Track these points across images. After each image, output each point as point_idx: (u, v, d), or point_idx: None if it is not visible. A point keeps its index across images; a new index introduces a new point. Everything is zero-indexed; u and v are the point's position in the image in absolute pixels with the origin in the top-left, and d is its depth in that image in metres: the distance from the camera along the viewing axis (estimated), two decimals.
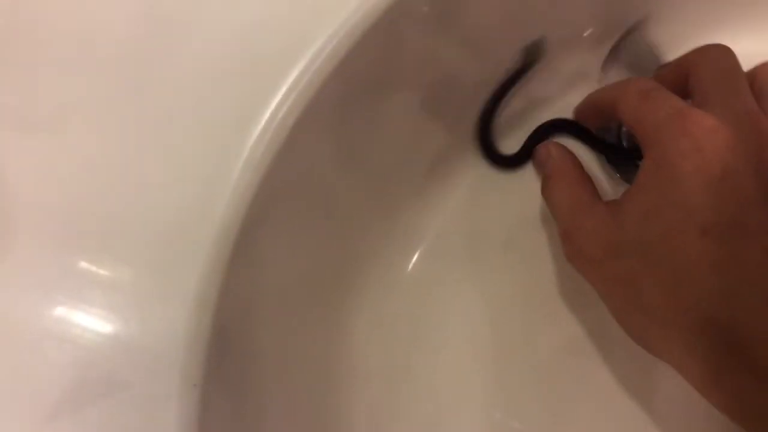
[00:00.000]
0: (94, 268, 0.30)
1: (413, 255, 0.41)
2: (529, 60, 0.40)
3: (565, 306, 0.40)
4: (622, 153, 0.41)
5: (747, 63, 0.35)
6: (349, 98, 0.33)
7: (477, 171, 0.42)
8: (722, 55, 0.34)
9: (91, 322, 0.29)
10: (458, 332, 0.41)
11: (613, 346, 0.40)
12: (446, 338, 0.41)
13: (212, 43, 0.31)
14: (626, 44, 0.42)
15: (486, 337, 0.41)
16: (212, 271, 0.29)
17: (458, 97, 0.40)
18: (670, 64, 0.38)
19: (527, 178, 0.41)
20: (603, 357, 0.40)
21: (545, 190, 0.38)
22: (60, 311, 0.29)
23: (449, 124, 0.40)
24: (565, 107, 0.41)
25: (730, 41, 0.35)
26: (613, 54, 0.42)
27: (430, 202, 0.41)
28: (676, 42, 0.41)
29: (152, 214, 0.30)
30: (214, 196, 0.30)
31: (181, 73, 0.30)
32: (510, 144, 0.42)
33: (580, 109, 0.40)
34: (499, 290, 0.41)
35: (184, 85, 0.30)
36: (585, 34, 0.41)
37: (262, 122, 0.30)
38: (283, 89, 0.30)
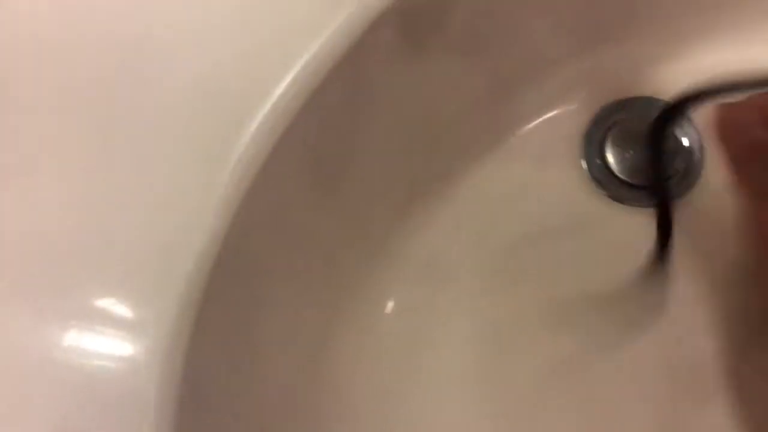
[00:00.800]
0: (68, 306, 0.30)
1: (397, 283, 0.41)
2: None
3: (550, 330, 0.40)
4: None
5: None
6: (322, 131, 0.33)
7: (458, 198, 0.41)
8: None
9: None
10: (444, 358, 0.41)
11: (597, 367, 0.40)
12: (432, 364, 0.41)
13: (182, 81, 0.31)
14: None
15: (471, 363, 0.40)
16: (186, 308, 0.29)
17: (438, 122, 0.40)
18: None
19: (512, 201, 0.41)
20: (589, 379, 0.40)
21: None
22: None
23: (429, 150, 0.40)
24: None
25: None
26: None
27: (412, 228, 0.41)
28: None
29: (125, 253, 0.29)
30: (187, 234, 0.30)
31: (153, 111, 0.30)
32: None
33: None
34: (485, 315, 0.41)
35: (155, 124, 0.30)
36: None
37: (233, 160, 0.30)
38: (254, 125, 0.30)
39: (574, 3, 0.39)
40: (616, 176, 0.42)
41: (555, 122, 0.43)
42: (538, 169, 0.42)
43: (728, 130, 0.34)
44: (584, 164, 0.42)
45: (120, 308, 0.29)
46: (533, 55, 0.41)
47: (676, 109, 0.39)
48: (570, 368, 0.40)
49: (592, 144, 0.42)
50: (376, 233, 0.39)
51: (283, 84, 0.30)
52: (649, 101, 0.42)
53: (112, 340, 0.29)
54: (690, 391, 0.39)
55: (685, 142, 0.42)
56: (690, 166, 0.41)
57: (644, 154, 0.42)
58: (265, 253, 0.33)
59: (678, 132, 0.42)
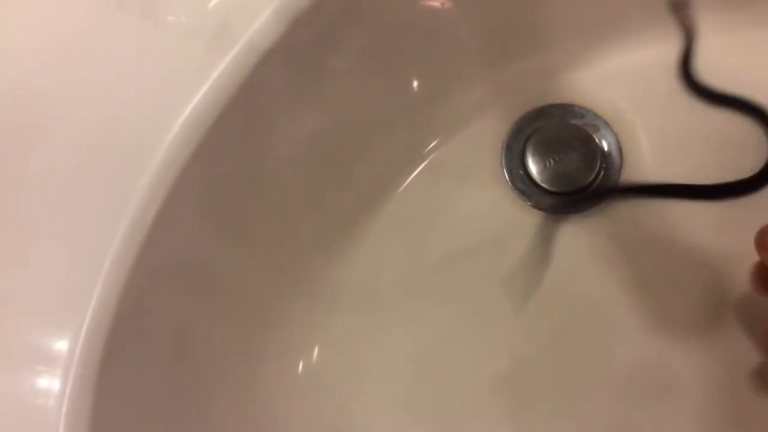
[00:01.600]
0: None
1: (324, 316, 0.41)
2: None
3: (481, 344, 0.40)
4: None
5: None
6: (220, 174, 0.32)
7: (379, 223, 0.41)
8: None
9: None
10: (388, 380, 0.40)
11: (545, 373, 0.40)
12: (375, 389, 0.40)
13: (69, 139, 0.31)
14: None
15: (406, 386, 0.40)
16: (83, 376, 0.29)
17: (351, 147, 0.39)
18: None
19: (435, 220, 0.41)
20: (538, 385, 0.40)
21: None
22: None
23: (344, 177, 0.40)
24: None
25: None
26: None
27: (332, 258, 0.41)
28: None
29: (17, 324, 0.29)
30: (80, 294, 0.29)
31: (39, 176, 0.30)
32: None
33: None
34: (415, 337, 0.41)
35: (42, 188, 0.30)
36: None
37: (125, 219, 0.30)
38: (145, 179, 0.30)
39: (476, 23, 0.39)
40: (538, 185, 0.42)
41: (474, 137, 0.42)
42: (460, 186, 0.42)
43: None
44: (507, 176, 0.42)
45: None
46: (443, 73, 0.41)
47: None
48: (505, 380, 0.39)
49: (513, 155, 0.42)
50: (294, 267, 0.39)
51: (170, 134, 0.30)
52: (564, 108, 0.42)
53: None
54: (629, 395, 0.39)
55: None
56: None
57: (565, 161, 0.41)
58: (170, 308, 0.32)
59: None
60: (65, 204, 0.30)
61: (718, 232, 0.39)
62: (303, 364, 0.40)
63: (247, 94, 0.31)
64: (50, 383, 0.29)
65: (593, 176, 0.41)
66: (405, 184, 0.42)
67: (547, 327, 0.40)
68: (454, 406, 0.39)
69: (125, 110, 0.31)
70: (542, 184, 0.42)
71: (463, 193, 0.42)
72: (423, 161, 0.42)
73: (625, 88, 0.42)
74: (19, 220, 0.30)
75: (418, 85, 0.40)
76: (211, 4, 0.31)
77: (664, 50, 0.41)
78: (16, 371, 0.29)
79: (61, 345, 0.29)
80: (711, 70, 0.40)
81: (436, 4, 0.37)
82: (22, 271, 0.30)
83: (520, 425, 0.39)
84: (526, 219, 0.41)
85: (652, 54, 0.41)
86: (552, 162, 0.42)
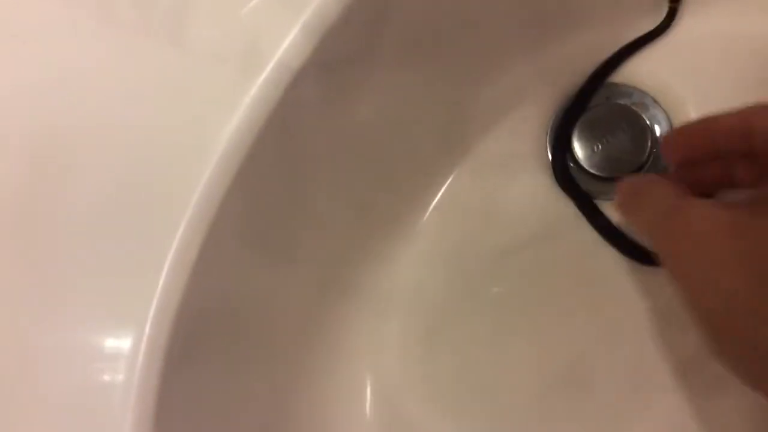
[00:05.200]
0: None
1: (378, 317, 0.40)
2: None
3: (538, 342, 0.39)
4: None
5: None
6: (261, 196, 0.32)
7: (426, 223, 0.40)
8: None
9: None
10: (442, 383, 0.40)
11: (605, 368, 0.39)
12: (430, 391, 0.40)
13: (106, 178, 0.30)
14: None
15: (471, 380, 0.40)
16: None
17: (392, 152, 0.38)
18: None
19: (482, 217, 0.40)
20: (594, 385, 0.39)
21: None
22: None
23: (387, 182, 0.38)
24: None
25: None
26: None
27: (383, 261, 0.40)
28: None
29: (62, 386, 0.29)
30: (125, 343, 0.29)
31: (78, 218, 0.30)
32: None
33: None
34: (474, 333, 0.40)
35: (81, 231, 0.30)
36: None
37: (169, 257, 0.29)
38: (187, 213, 0.29)
39: (513, 7, 0.37)
40: (587, 171, 0.40)
41: (517, 125, 0.41)
42: (505, 177, 0.41)
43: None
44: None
45: None
46: (481, 62, 0.39)
47: None
48: (564, 378, 0.39)
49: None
50: (342, 277, 0.39)
51: (208, 165, 0.29)
52: (609, 88, 0.40)
53: None
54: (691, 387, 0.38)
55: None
56: None
57: (613, 144, 0.40)
58: (219, 341, 0.32)
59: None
60: (104, 244, 0.30)
61: None
62: (356, 371, 0.40)
63: (282, 115, 0.30)
64: None
65: (645, 158, 0.39)
66: (449, 180, 0.41)
67: (604, 320, 0.38)
68: (513, 407, 0.39)
69: (159, 143, 0.30)
70: (591, 170, 0.40)
71: (510, 185, 0.40)
72: (466, 155, 0.41)
73: (671, 62, 0.40)
74: (56, 265, 0.30)
75: (456, 78, 0.38)
76: (239, 25, 0.30)
77: (711, 20, 0.38)
78: None
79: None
80: None
81: None
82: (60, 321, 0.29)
83: (582, 424, 0.38)
84: (573, 210, 0.40)
85: (700, 25, 0.38)
86: (600, 146, 0.40)
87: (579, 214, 0.39)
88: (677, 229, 0.28)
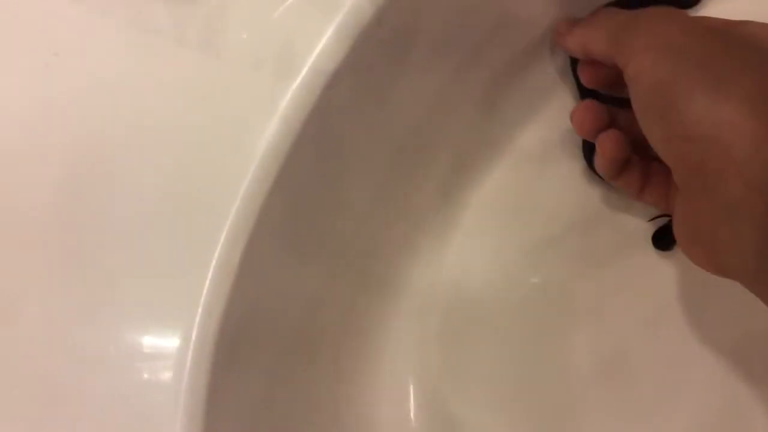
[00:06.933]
0: None
1: (420, 314, 0.40)
2: None
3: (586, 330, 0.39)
4: None
5: None
6: (297, 203, 0.32)
7: (466, 217, 0.40)
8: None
9: None
10: (486, 375, 0.40)
11: (647, 357, 0.39)
12: (474, 385, 0.40)
13: (149, 185, 0.31)
14: None
15: (514, 373, 0.40)
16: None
17: (428, 145, 0.38)
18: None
19: (522, 209, 0.40)
20: (635, 374, 0.39)
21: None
22: None
23: (424, 176, 0.39)
24: None
25: None
26: None
27: (424, 258, 0.40)
28: None
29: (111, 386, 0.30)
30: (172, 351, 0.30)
31: (123, 223, 0.31)
32: None
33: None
34: (516, 325, 0.40)
35: (127, 235, 0.30)
36: None
37: (214, 258, 0.30)
38: (227, 221, 0.30)
39: None
40: None
41: (553, 115, 0.40)
42: (544, 169, 0.40)
43: None
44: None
45: None
46: (516, 53, 0.39)
47: None
48: (606, 368, 0.39)
49: None
50: (383, 275, 0.39)
51: (247, 172, 0.30)
52: None
53: None
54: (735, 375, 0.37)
55: None
56: None
57: None
58: (263, 342, 0.33)
59: None
60: (149, 247, 0.31)
61: None
62: (403, 378, 0.40)
63: (318, 118, 0.30)
64: None
65: None
66: (487, 174, 0.40)
67: (645, 311, 0.38)
68: (555, 401, 0.39)
69: (199, 148, 0.31)
70: None
71: (548, 176, 0.40)
72: (503, 148, 0.40)
73: None
74: (103, 268, 0.31)
75: (491, 70, 0.38)
76: (271, 30, 0.30)
77: None
78: None
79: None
80: None
81: None
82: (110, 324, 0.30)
83: (624, 414, 0.38)
84: (614, 197, 0.39)
85: None
86: None
87: (619, 203, 0.39)
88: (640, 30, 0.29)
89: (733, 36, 0.29)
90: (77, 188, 0.31)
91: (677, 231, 0.31)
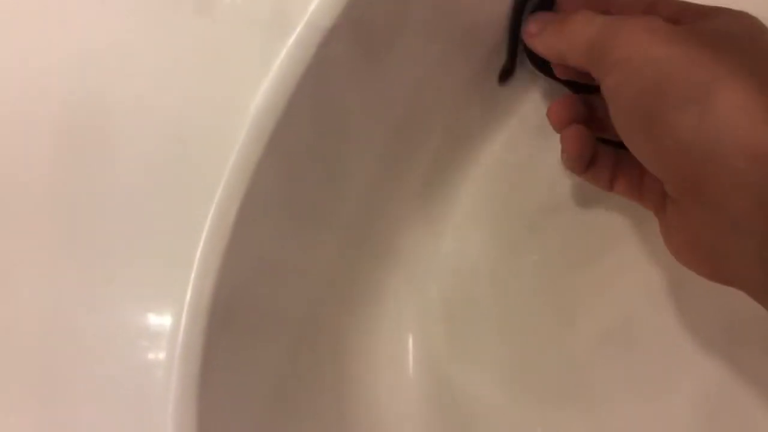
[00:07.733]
0: None
1: (423, 282, 0.40)
2: None
3: (591, 298, 0.38)
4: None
5: None
6: (293, 164, 0.31)
7: (468, 185, 0.39)
8: None
9: None
10: (490, 344, 0.40)
11: (654, 326, 0.38)
12: (478, 355, 0.40)
13: (139, 149, 0.30)
14: None
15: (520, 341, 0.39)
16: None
17: (423, 109, 0.37)
18: None
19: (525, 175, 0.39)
20: (638, 347, 0.38)
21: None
22: None
23: (422, 144, 0.38)
24: None
25: None
26: None
27: (423, 229, 0.39)
28: None
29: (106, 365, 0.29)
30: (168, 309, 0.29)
31: (116, 188, 0.30)
32: None
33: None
34: (520, 294, 0.40)
35: (119, 201, 0.30)
36: None
37: (207, 223, 0.29)
38: (222, 179, 0.29)
39: None
40: None
41: (550, 88, 0.40)
42: (543, 139, 0.39)
43: None
44: None
45: None
46: None
47: None
48: (611, 336, 0.38)
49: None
50: (384, 244, 0.38)
51: (241, 131, 0.29)
52: None
53: None
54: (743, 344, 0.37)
55: None
56: None
57: None
58: (259, 309, 0.32)
59: None
60: (143, 213, 0.30)
61: None
62: (403, 336, 0.39)
63: (314, 77, 0.30)
64: None
65: None
66: (487, 145, 0.40)
67: (648, 280, 0.38)
68: (556, 368, 0.38)
69: (193, 110, 0.30)
70: None
71: (547, 145, 0.39)
72: (503, 118, 0.40)
73: None
74: (95, 239, 0.30)
75: (491, 39, 0.37)
76: None
77: None
78: None
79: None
80: None
81: None
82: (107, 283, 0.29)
83: (627, 385, 0.37)
84: None
85: None
86: None
87: None
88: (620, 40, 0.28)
89: (715, 38, 0.28)
90: (71, 153, 0.30)
91: (672, 240, 0.30)
